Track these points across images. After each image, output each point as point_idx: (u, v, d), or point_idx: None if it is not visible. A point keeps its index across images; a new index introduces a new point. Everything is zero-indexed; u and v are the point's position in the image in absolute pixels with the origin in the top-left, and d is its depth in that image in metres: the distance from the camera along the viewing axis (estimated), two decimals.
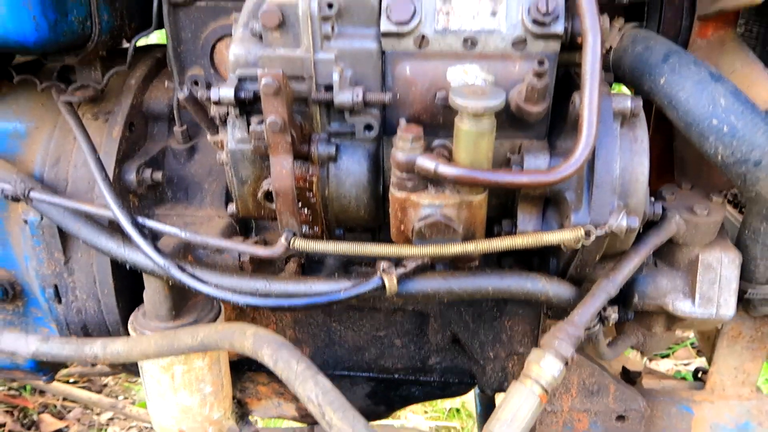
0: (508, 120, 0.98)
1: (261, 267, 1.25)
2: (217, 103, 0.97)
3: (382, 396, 1.56)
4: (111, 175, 1.24)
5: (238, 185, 1.09)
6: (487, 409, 2.04)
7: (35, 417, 2.73)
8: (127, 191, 1.29)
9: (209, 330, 1.13)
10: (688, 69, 1.00)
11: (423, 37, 0.95)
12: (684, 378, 2.40)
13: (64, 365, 1.76)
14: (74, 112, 1.23)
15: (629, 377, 1.42)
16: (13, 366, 1.41)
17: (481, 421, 2.16)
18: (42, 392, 2.79)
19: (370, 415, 1.56)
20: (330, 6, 0.93)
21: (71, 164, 1.28)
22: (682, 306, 1.13)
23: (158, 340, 1.14)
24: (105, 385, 2.94)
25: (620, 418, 1.33)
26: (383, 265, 1.03)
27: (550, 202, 1.03)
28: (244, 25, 0.99)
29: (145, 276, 1.16)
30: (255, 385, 1.54)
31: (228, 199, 1.33)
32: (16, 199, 1.18)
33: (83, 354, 1.18)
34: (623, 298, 1.14)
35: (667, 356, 2.97)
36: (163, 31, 1.29)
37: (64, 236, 1.24)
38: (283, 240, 1.03)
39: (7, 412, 2.73)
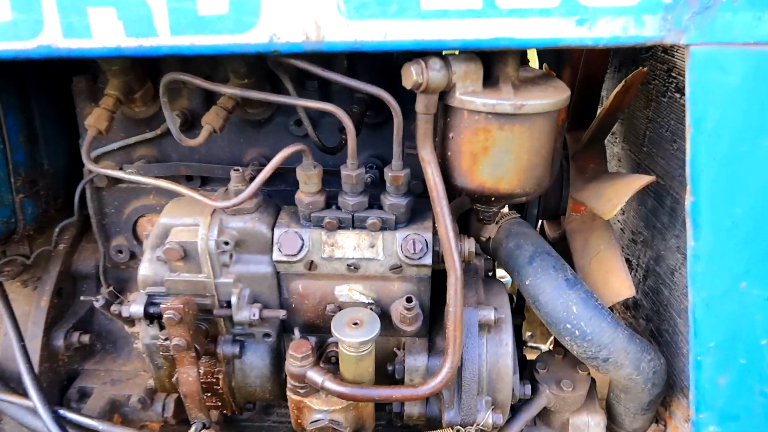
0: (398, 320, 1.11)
1: None
2: (128, 318, 1.08)
3: None
4: (39, 342, 1.33)
5: (154, 370, 1.19)
6: None
7: None
8: (55, 355, 1.38)
9: None
10: (548, 274, 1.15)
11: (312, 262, 1.08)
12: None
13: None
14: (2, 292, 1.31)
15: None
16: None
17: None
18: None
19: None
20: (226, 243, 1.05)
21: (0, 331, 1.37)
22: None
23: None
24: None
25: None
26: None
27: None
28: (152, 249, 1.10)
29: None
30: None
31: None
32: None
33: None
34: None
35: None
36: None
37: None
38: (192, 430, 1.15)
39: None
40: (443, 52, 0.93)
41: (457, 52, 0.94)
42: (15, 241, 1.29)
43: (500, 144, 0.96)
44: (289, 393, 1.09)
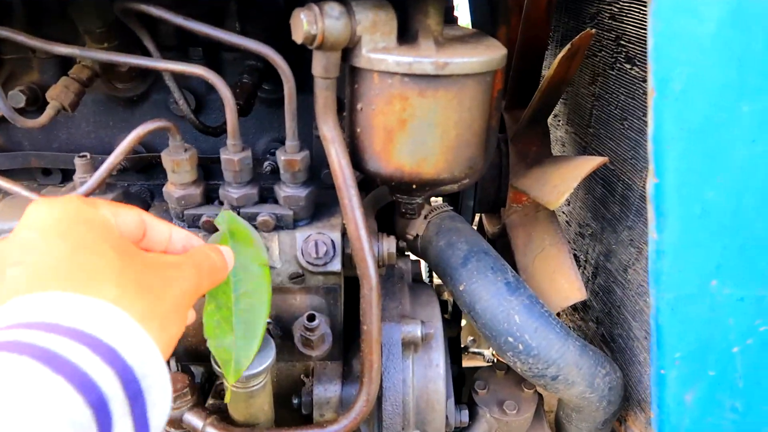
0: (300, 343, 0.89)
1: None
2: None
3: None
4: None
5: None
6: None
7: None
8: None
9: None
10: (486, 278, 0.96)
11: None
12: None
13: None
14: None
15: None
16: None
17: None
18: None
19: None
20: None
21: None
22: None
23: None
24: None
25: None
26: None
27: None
28: None
29: None
30: None
31: None
32: None
33: None
34: None
35: None
36: None
37: None
38: None
39: None
40: None
41: None
42: None
43: (421, 115, 0.75)
44: None
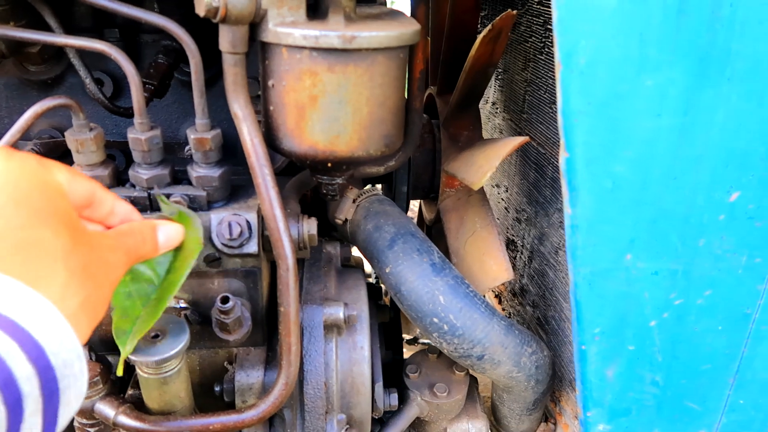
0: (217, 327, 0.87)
1: None
2: None
3: None
4: None
5: None
6: None
7: None
8: None
9: None
10: (411, 259, 0.95)
11: None
12: None
13: None
14: None
15: None
16: None
17: None
18: None
19: None
20: None
21: None
22: None
23: None
24: None
25: None
26: None
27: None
28: None
29: None
30: None
31: None
32: None
33: None
34: None
35: None
36: None
37: None
38: None
39: None
40: None
41: None
42: None
43: (332, 92, 0.74)
44: None
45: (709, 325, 0.90)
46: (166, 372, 0.77)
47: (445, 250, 1.18)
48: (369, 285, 1.06)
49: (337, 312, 0.88)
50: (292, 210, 0.90)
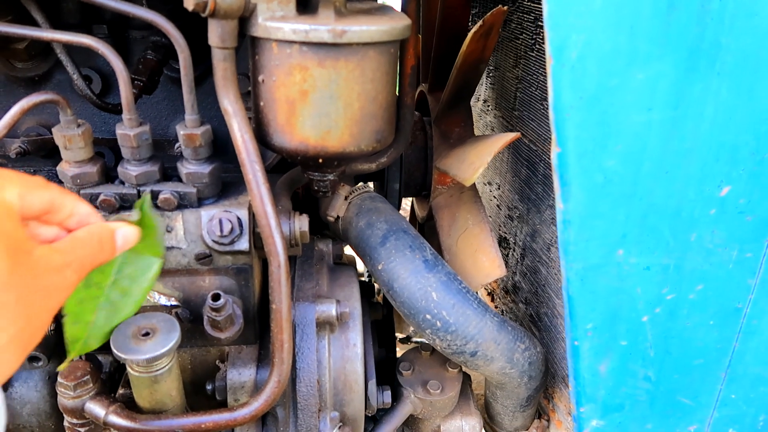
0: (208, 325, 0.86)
1: None
2: None
3: None
4: None
5: None
6: None
7: None
8: None
9: None
10: (404, 256, 0.95)
11: None
12: None
13: None
14: None
15: None
16: None
17: None
18: None
19: None
20: None
21: None
22: None
23: None
24: None
25: None
26: None
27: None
28: None
29: None
30: None
31: None
32: None
33: None
34: None
35: None
36: None
37: None
38: None
39: None
40: None
41: None
42: None
43: (322, 87, 0.73)
44: None
45: (701, 319, 0.91)
46: (157, 370, 0.76)
47: (438, 248, 1.18)
48: (361, 282, 1.06)
49: (330, 309, 0.87)
50: (284, 207, 0.89)
